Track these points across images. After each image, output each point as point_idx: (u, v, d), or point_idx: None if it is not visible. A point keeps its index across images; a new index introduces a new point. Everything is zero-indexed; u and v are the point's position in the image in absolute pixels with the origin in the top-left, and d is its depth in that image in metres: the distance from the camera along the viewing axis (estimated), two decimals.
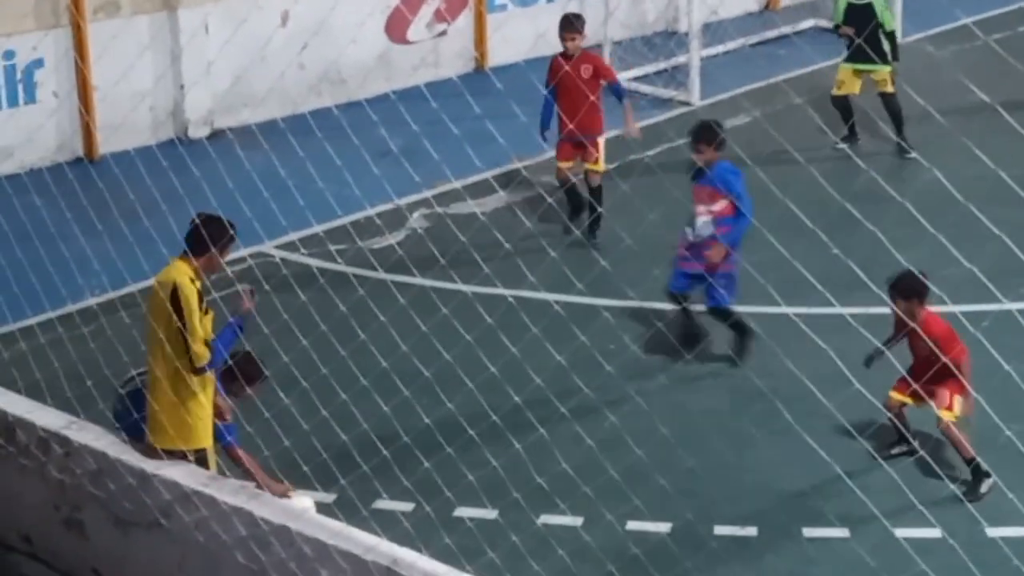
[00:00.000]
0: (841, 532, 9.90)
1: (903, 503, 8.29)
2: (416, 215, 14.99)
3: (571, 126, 13.05)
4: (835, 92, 16.86)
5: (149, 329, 9.05)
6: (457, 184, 13.70)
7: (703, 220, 12.18)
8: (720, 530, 10.12)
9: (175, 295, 8.79)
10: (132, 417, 9.26)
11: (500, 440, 9.36)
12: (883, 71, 16.51)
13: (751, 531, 10.13)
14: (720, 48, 20.30)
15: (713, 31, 20.06)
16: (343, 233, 13.87)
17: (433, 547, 8.33)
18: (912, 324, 9.58)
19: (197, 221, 9.05)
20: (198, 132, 17.48)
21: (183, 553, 8.56)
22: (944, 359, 9.50)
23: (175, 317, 8.78)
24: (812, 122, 13.87)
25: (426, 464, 8.93)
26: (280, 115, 14.49)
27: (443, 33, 19.77)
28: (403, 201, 14.43)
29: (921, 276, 10.09)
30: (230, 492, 8.41)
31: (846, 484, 9.03)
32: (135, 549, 8.85)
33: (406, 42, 19.39)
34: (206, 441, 9.10)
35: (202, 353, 8.84)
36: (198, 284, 8.91)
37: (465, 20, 20.04)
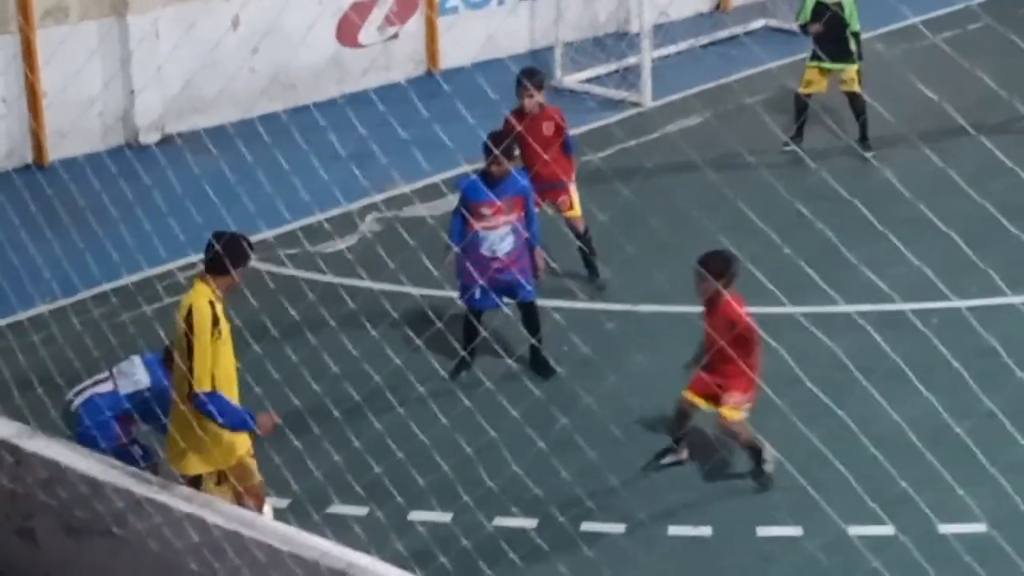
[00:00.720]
0: (795, 530, 9.93)
1: (856, 500, 8.30)
2: (367, 219, 14.96)
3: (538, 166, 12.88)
4: (802, 90, 16.82)
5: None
6: (407, 188, 13.69)
7: (501, 233, 11.92)
8: (674, 530, 10.14)
9: (189, 317, 8.83)
10: (83, 425, 9.30)
11: (451, 444, 9.34)
12: (851, 70, 16.54)
13: (705, 531, 10.15)
14: (672, 49, 20.33)
15: (664, 32, 20.08)
16: (293, 238, 13.83)
17: (386, 551, 8.32)
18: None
19: (215, 241, 9.03)
20: (148, 138, 17.40)
21: (136, 561, 8.51)
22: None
23: (184, 340, 8.83)
24: (763, 122, 13.92)
25: (378, 469, 8.91)
26: (231, 120, 14.44)
27: (394, 36, 19.75)
28: (354, 206, 14.40)
29: (732, 258, 10.14)
30: (183, 499, 8.37)
31: (799, 482, 9.05)
32: (88, 557, 8.80)
33: (357, 45, 19.36)
34: (226, 461, 9.17)
35: (203, 378, 8.79)
36: (218, 307, 8.90)
37: (416, 23, 20.02)
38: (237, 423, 9.00)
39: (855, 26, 16.52)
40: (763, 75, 19.10)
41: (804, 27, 16.79)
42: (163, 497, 8.35)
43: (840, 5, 16.43)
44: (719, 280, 10.19)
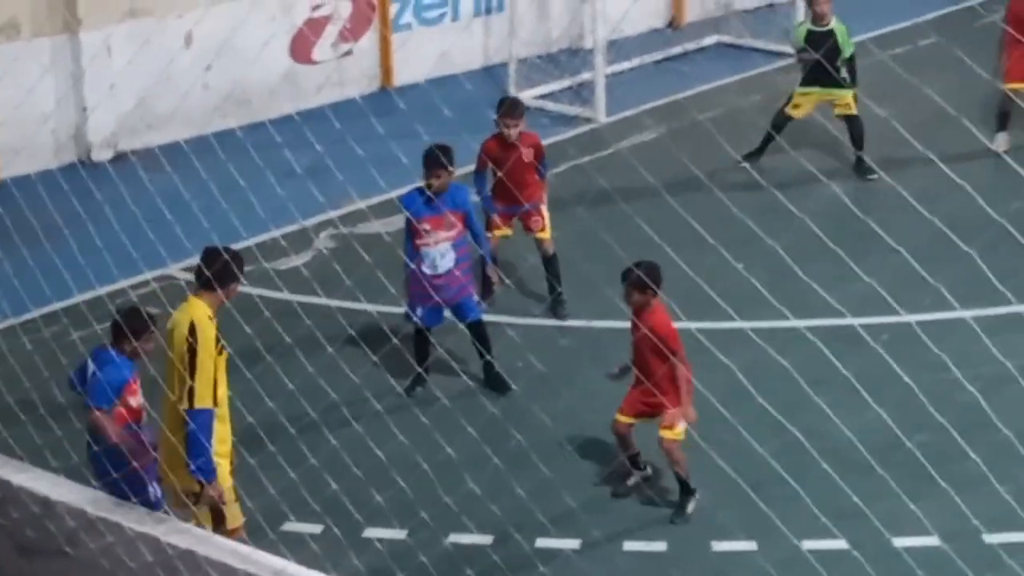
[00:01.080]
0: (749, 545, 9.96)
1: (809, 515, 8.35)
2: (322, 236, 14.95)
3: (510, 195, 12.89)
4: (787, 110, 16.61)
5: (166, 371, 8.97)
6: (362, 205, 13.68)
7: (441, 250, 11.95)
8: (629, 546, 10.16)
9: (192, 333, 8.73)
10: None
11: (407, 460, 9.35)
12: (845, 95, 16.39)
13: (659, 546, 10.17)
14: (625, 65, 20.37)
15: (618, 48, 20.13)
16: (248, 255, 13.76)
17: (342, 569, 8.33)
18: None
19: (210, 255, 8.96)
20: (101, 155, 17.34)
21: None
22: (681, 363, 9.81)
23: (187, 355, 8.71)
24: (716, 139, 13.98)
25: (334, 485, 8.91)
26: (184, 137, 14.42)
27: (348, 53, 19.75)
28: (309, 222, 14.38)
29: (657, 268, 10.22)
30: (136, 518, 8.34)
31: (753, 497, 9.09)
32: None
33: (311, 62, 19.35)
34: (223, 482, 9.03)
35: (204, 394, 8.70)
36: (215, 322, 8.83)
37: (370, 40, 20.02)
38: (205, 463, 8.82)
39: (847, 52, 16.41)
40: (716, 91, 19.17)
41: (799, 54, 16.66)
42: (116, 516, 8.32)
43: (832, 32, 16.34)
44: (646, 291, 10.25)
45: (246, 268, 13.37)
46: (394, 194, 13.59)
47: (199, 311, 8.86)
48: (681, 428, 10.29)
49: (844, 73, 16.32)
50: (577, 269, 12.81)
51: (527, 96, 19.32)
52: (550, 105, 19.19)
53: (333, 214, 14.28)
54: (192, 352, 8.71)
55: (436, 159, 11.79)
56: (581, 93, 19.23)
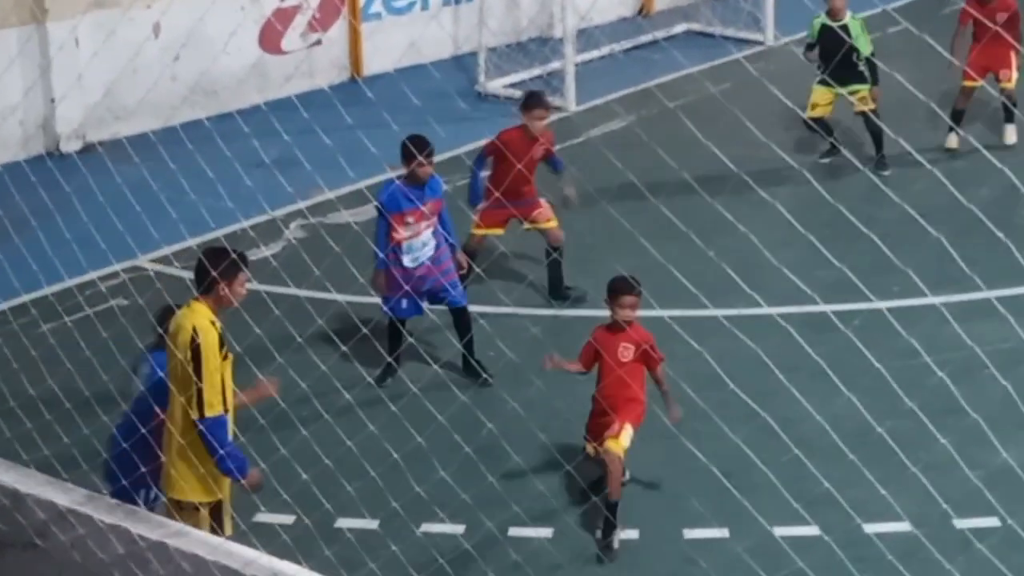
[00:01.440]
0: (721, 532, 9.98)
1: (781, 501, 8.36)
2: (292, 226, 14.92)
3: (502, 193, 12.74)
4: (808, 113, 16.40)
5: (170, 377, 8.75)
6: (332, 195, 13.66)
7: (424, 239, 11.99)
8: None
9: (195, 340, 8.51)
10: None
11: (378, 450, 9.33)
12: (863, 89, 16.22)
13: (632, 534, 10.18)
14: (595, 53, 20.40)
15: (587, 37, 20.15)
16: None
17: (314, 559, 8.29)
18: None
19: (206, 258, 8.70)
20: (69, 146, 17.28)
21: (60, 573, 8.44)
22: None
23: (192, 363, 8.51)
24: (686, 126, 13.97)
25: (305, 476, 8.88)
26: (152, 128, 14.37)
27: (317, 43, 19.71)
28: (278, 213, 14.35)
29: (633, 281, 10.26)
30: (107, 510, 8.30)
31: (724, 484, 9.10)
32: (10, 570, 8.71)
33: (280, 52, 19.31)
34: (221, 492, 8.88)
35: (214, 402, 8.51)
36: (218, 326, 8.62)
37: (339, 29, 19.99)
38: (236, 464, 8.67)
39: (865, 50, 16.23)
40: (685, 79, 19.18)
41: (809, 47, 16.53)
42: (87, 508, 8.27)
43: (846, 27, 16.20)
44: (638, 304, 10.24)
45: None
46: (363, 184, 13.59)
47: (200, 317, 8.61)
48: (627, 438, 10.23)
49: (861, 67, 16.14)
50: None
51: (497, 85, 19.37)
52: (520, 94, 19.16)
53: (302, 204, 14.25)
54: (197, 360, 8.52)
55: (419, 151, 11.76)
56: (551, 82, 19.24)
